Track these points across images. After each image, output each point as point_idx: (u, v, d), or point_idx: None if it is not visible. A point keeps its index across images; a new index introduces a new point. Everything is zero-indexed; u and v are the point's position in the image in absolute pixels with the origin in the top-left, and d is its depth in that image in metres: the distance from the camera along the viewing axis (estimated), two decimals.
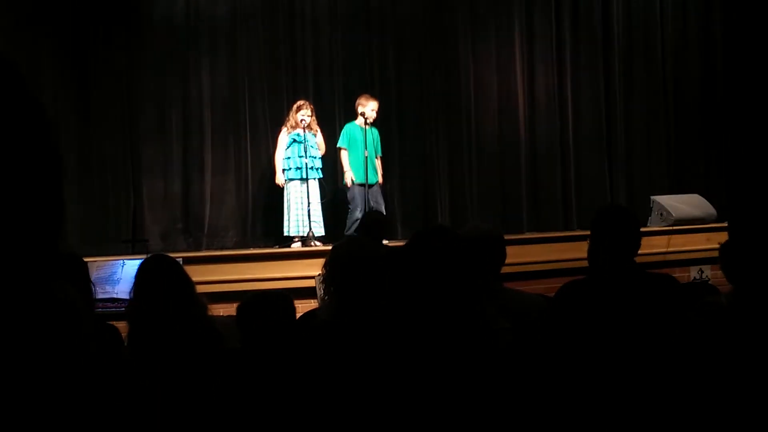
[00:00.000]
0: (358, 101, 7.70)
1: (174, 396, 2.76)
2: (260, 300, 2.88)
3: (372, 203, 7.55)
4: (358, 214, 7.53)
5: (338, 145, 7.73)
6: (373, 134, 7.67)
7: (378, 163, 7.79)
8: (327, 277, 2.72)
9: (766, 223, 2.75)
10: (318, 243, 7.41)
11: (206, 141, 8.02)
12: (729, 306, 2.78)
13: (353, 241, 3.41)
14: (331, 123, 8.03)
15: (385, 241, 6.84)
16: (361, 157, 7.56)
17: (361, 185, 7.59)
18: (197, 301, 3.01)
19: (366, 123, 7.57)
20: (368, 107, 7.62)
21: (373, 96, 7.78)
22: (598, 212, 2.95)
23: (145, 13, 7.92)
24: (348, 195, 7.72)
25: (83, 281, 3.41)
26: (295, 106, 7.64)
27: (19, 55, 7.51)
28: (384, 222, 5.55)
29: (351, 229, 7.53)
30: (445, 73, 8.66)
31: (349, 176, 7.64)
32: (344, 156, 7.69)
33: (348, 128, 7.75)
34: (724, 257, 3.11)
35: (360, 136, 7.63)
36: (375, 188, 7.65)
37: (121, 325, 3.41)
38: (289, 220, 7.57)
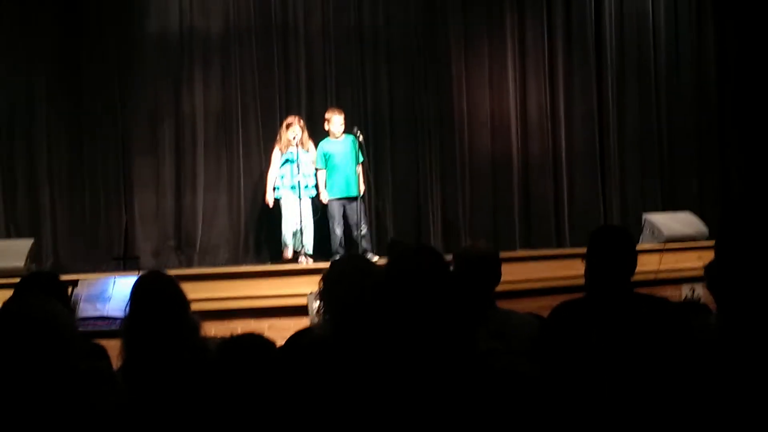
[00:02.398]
0: (325, 117, 7.69)
1: (165, 414, 2.73)
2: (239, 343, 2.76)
3: (351, 221, 7.55)
4: (339, 231, 7.52)
5: (315, 167, 7.67)
6: (352, 143, 7.62)
7: (359, 170, 7.71)
8: (324, 293, 2.70)
9: (754, 242, 2.73)
10: (309, 260, 7.38)
11: (198, 157, 8.00)
12: (718, 328, 2.76)
13: (351, 258, 3.39)
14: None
15: (375, 258, 6.83)
16: (341, 169, 7.56)
17: (338, 200, 7.58)
18: (190, 321, 2.97)
19: (337, 136, 7.59)
20: (334, 121, 7.61)
21: (338, 108, 7.75)
22: (594, 233, 2.92)
23: (139, 29, 7.92)
24: (328, 213, 7.67)
25: (62, 300, 3.35)
26: (284, 124, 7.63)
27: (13, 71, 7.53)
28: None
29: (336, 247, 7.51)
30: (437, 89, 8.67)
31: (325, 196, 7.60)
32: (321, 176, 7.64)
33: (322, 147, 7.67)
34: (710, 277, 3.09)
35: (336, 149, 7.62)
36: (354, 204, 7.56)
37: (112, 344, 3.37)
38: (284, 235, 7.57)
